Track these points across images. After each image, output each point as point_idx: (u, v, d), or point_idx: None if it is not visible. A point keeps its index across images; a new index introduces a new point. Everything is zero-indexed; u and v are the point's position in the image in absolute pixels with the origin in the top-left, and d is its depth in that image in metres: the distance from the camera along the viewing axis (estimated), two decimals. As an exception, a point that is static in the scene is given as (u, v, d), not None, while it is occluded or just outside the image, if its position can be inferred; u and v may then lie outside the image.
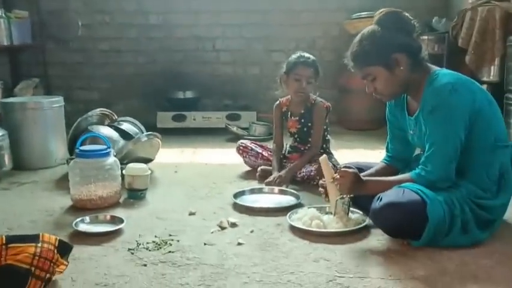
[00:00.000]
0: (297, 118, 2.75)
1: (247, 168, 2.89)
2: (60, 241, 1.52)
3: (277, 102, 2.85)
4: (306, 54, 2.69)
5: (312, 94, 2.75)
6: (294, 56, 2.71)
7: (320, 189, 2.05)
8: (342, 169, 1.89)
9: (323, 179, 2.02)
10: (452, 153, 1.76)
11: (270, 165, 2.75)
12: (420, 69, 1.86)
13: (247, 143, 2.92)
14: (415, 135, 1.94)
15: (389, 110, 2.10)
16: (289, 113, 2.79)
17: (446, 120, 1.75)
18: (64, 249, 1.52)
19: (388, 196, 1.75)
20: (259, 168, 2.77)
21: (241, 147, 2.89)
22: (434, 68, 1.89)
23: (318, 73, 2.69)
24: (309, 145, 2.75)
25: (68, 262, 1.55)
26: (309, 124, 2.73)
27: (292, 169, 2.63)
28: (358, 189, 1.88)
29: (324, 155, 2.06)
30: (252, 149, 2.86)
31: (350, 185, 1.86)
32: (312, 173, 2.57)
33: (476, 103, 1.76)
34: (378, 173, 2.09)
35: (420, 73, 1.85)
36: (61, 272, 1.53)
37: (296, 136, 2.80)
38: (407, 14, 1.87)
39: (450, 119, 1.75)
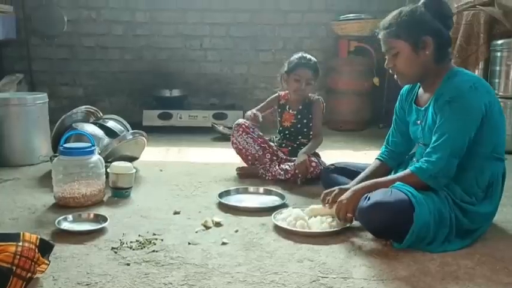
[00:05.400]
0: (295, 112, 2.80)
1: (233, 167, 2.86)
2: (41, 240, 1.50)
3: (277, 94, 2.90)
4: (308, 56, 2.76)
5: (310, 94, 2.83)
6: (295, 56, 2.76)
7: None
8: (336, 202, 1.89)
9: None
10: (459, 147, 1.76)
11: (263, 152, 2.72)
12: (442, 63, 1.87)
13: (250, 123, 2.78)
14: (420, 126, 1.94)
15: (399, 102, 2.11)
16: (287, 106, 2.83)
17: (462, 113, 1.75)
18: (45, 248, 1.51)
19: (376, 196, 1.77)
20: (237, 168, 2.78)
21: (243, 126, 2.74)
22: (455, 66, 1.92)
23: (318, 75, 2.77)
24: (297, 142, 2.78)
25: (49, 261, 1.53)
26: (305, 121, 2.78)
27: (305, 153, 2.63)
28: (355, 201, 1.85)
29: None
30: (253, 131, 2.77)
31: (350, 209, 1.85)
32: (296, 170, 2.58)
33: (491, 105, 1.78)
34: (372, 174, 2.07)
35: (441, 66, 1.87)
36: (42, 271, 1.51)
37: (287, 132, 2.81)
38: (450, 8, 1.91)
39: (466, 113, 1.75)
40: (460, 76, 1.82)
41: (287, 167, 2.64)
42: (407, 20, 1.83)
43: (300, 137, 2.80)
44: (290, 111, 2.81)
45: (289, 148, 2.80)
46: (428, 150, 1.81)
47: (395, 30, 1.84)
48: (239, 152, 2.79)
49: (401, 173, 1.90)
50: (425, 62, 1.85)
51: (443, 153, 1.76)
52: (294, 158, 2.68)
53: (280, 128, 2.86)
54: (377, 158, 2.17)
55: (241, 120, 2.80)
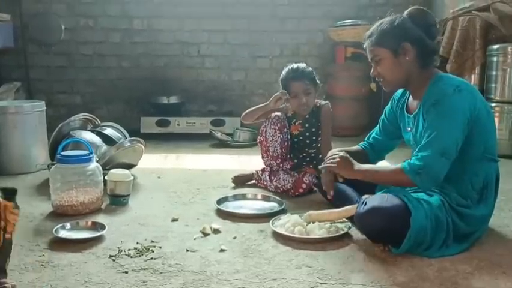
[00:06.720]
0: (301, 122, 2.66)
1: (231, 173, 2.84)
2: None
3: (284, 106, 2.68)
4: (295, 66, 2.62)
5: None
6: (283, 73, 2.63)
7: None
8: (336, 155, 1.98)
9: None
10: (447, 146, 1.75)
11: (278, 156, 2.63)
12: (427, 69, 1.90)
13: (286, 123, 2.68)
14: (411, 133, 1.97)
15: (390, 104, 2.16)
16: (294, 119, 2.69)
17: (447, 114, 1.77)
18: (8, 193, 1.49)
19: (372, 201, 1.79)
20: (233, 176, 2.76)
21: (281, 123, 2.63)
22: (441, 72, 1.95)
23: (315, 79, 2.61)
24: (304, 154, 2.68)
25: (18, 206, 1.50)
26: (313, 129, 2.65)
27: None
28: (349, 169, 1.95)
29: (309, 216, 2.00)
30: (286, 132, 2.65)
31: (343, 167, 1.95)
32: (288, 185, 2.54)
33: (476, 109, 1.79)
34: (354, 152, 2.16)
35: (426, 73, 1.90)
36: (16, 215, 1.48)
37: (296, 140, 2.68)
38: (436, 19, 1.95)
39: (451, 114, 1.77)
40: (444, 81, 1.85)
41: (277, 183, 2.58)
42: (386, 28, 1.89)
43: (307, 149, 2.67)
44: (296, 123, 2.68)
45: (296, 160, 2.68)
46: (417, 149, 1.84)
47: (376, 38, 1.90)
48: (263, 140, 2.67)
49: (393, 167, 1.91)
50: (407, 68, 1.88)
51: (430, 151, 1.76)
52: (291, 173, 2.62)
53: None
54: (359, 145, 2.24)
55: (273, 115, 2.65)
